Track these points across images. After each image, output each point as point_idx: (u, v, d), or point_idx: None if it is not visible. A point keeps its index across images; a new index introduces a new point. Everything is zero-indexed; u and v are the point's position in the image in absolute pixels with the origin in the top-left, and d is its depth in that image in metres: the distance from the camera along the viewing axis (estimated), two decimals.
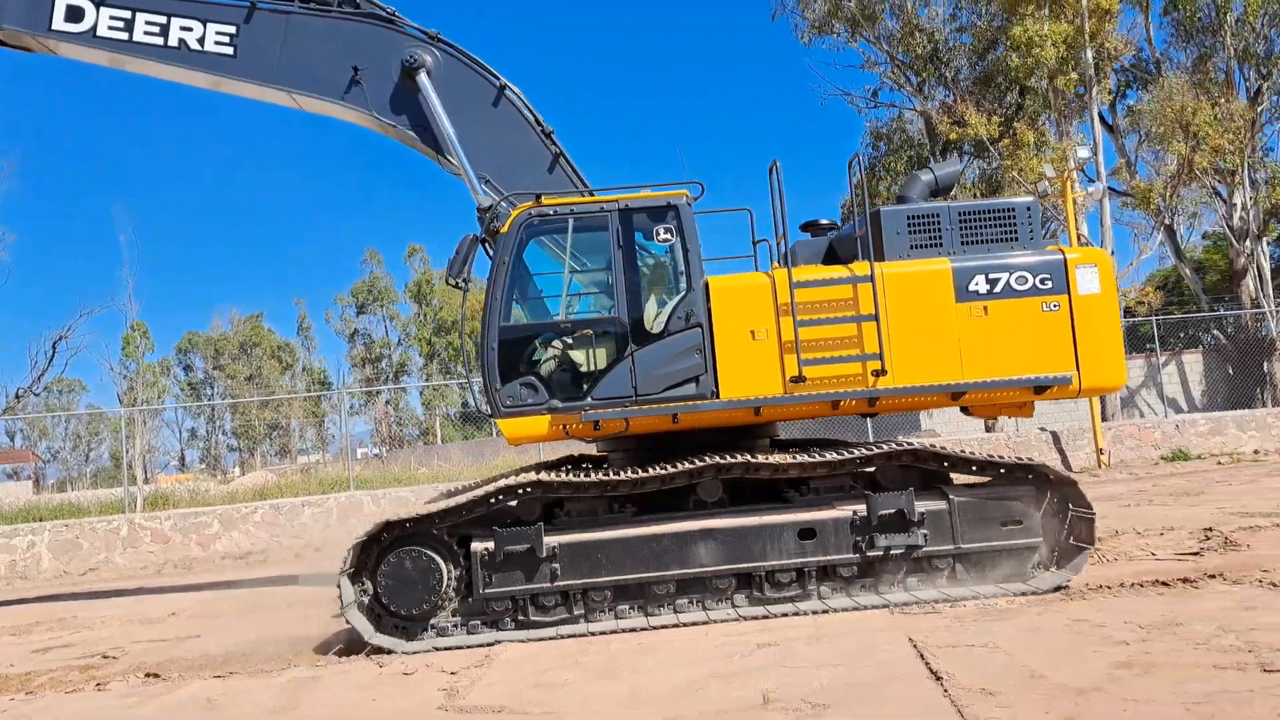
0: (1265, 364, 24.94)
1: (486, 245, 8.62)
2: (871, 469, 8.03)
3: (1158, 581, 7.63)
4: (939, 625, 6.86)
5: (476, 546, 7.51)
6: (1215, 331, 28.42)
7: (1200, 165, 22.92)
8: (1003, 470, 7.96)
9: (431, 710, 5.76)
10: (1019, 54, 21.21)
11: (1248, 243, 25.63)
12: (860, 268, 8.15)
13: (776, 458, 7.98)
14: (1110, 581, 7.82)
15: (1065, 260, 8.21)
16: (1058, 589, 7.62)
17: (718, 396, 7.95)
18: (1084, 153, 17.81)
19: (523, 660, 6.83)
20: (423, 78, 9.27)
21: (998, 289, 8.11)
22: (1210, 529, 9.76)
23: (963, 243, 8.31)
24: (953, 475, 8.19)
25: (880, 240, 8.24)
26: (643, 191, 8.32)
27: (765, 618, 7.45)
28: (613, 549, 7.55)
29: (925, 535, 7.72)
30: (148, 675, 7.27)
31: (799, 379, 7.93)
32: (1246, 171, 25.16)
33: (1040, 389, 8.19)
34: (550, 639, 7.35)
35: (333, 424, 56.39)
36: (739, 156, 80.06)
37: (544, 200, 8.23)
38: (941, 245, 8.30)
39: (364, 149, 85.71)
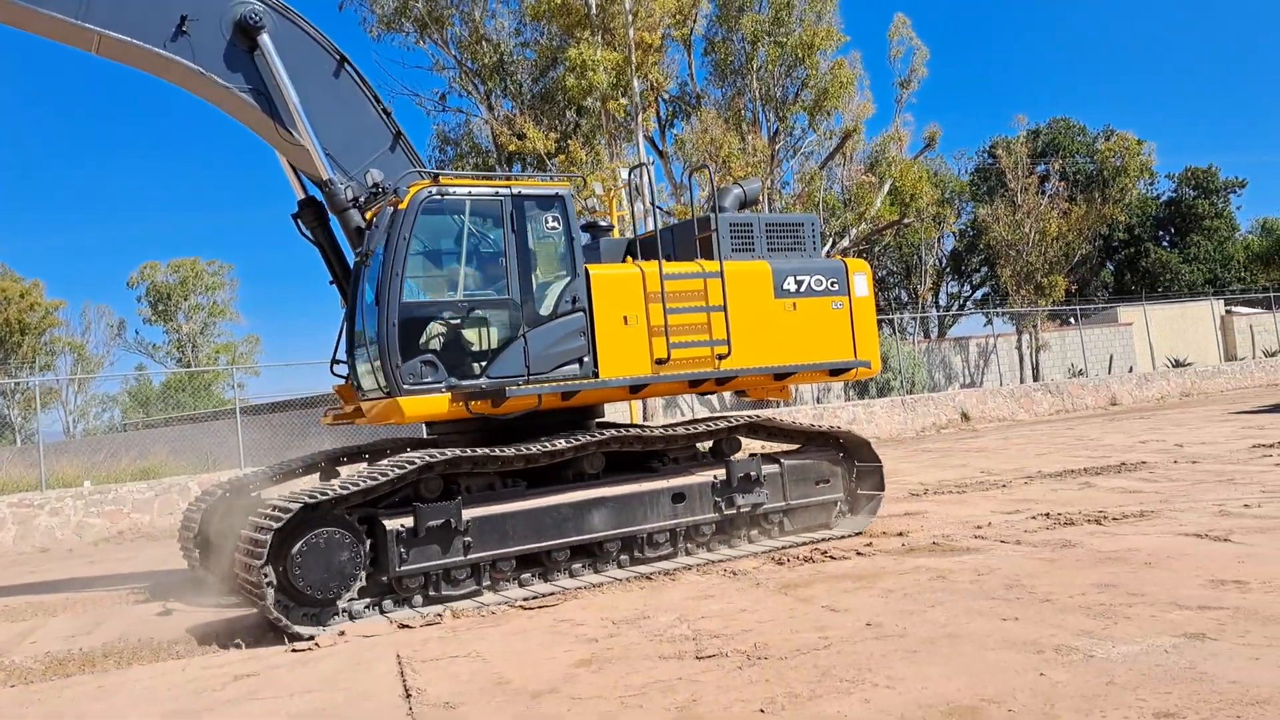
0: None
1: (299, 221, 9.33)
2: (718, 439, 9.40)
3: (642, 577, 8.29)
4: (433, 636, 6.91)
5: (391, 524, 7.49)
6: None
7: (720, 183, 25.73)
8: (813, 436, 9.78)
9: None
10: (575, 75, 22.39)
11: None
12: (710, 265, 9.18)
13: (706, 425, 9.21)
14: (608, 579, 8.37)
15: (847, 268, 9.99)
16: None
17: (598, 376, 8.55)
18: (626, 174, 19.12)
19: None
20: (265, 39, 8.59)
21: (803, 289, 9.66)
22: None
23: (769, 249, 9.74)
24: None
25: (710, 243, 9.40)
26: (530, 180, 9.06)
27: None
28: (518, 520, 8.00)
29: (766, 494, 9.12)
30: None
31: (662, 360, 8.77)
32: (767, 203, 28.65)
33: (835, 372, 9.96)
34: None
35: None
36: None
37: (442, 180, 8.36)
38: (754, 250, 9.67)
39: None
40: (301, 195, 9.73)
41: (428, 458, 7.68)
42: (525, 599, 7.74)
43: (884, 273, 47.25)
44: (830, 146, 29.72)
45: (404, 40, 26.71)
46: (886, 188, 30.49)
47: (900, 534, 9.39)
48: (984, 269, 47.66)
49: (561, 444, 8.28)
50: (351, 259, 9.65)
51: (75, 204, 75.84)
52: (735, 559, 8.73)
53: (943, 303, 50.55)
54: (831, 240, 32.73)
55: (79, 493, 15.61)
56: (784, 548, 8.99)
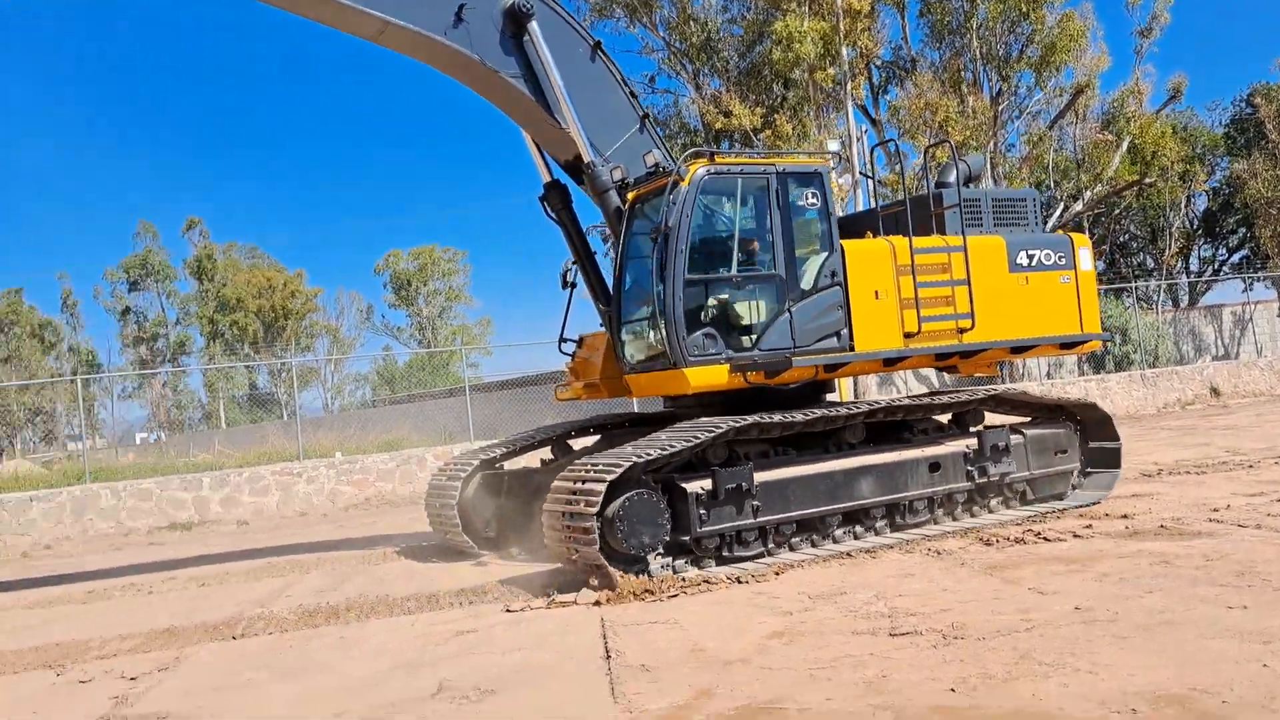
0: None
1: (545, 204, 10.05)
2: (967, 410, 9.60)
3: (844, 554, 8.24)
4: (636, 604, 7.17)
5: (691, 487, 7.80)
6: None
7: (942, 158, 24.68)
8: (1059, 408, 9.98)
9: None
10: (781, 48, 22.17)
11: None
12: (953, 239, 9.31)
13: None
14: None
15: (1072, 241, 10.05)
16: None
17: (853, 350, 8.75)
18: (834, 146, 18.83)
19: (215, 662, 6.66)
20: (534, 25, 9.20)
21: (1033, 263, 9.71)
22: None
23: (995, 224, 9.82)
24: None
25: (943, 218, 9.54)
26: (792, 157, 9.53)
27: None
28: (798, 485, 8.30)
29: (1013, 463, 9.27)
30: None
31: (911, 334, 8.94)
32: (989, 167, 27.28)
33: (1066, 346, 10.04)
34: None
35: (104, 408, 52.59)
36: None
37: (716, 159, 8.73)
38: (983, 225, 9.75)
39: (124, 113, 79.93)
40: (547, 178, 10.29)
41: (733, 423, 8.01)
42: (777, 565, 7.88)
43: (1126, 237, 43.87)
44: (1060, 105, 27.89)
45: (615, 25, 27.36)
46: (1125, 146, 28.32)
47: (1124, 516, 8.85)
48: (1241, 230, 43.26)
49: (843, 411, 8.64)
50: (590, 239, 10.23)
51: (327, 193, 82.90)
52: (939, 537, 8.55)
53: (1193, 268, 46.34)
54: (1063, 204, 30.79)
55: (331, 462, 17.20)
56: (1027, 518, 9.07)
